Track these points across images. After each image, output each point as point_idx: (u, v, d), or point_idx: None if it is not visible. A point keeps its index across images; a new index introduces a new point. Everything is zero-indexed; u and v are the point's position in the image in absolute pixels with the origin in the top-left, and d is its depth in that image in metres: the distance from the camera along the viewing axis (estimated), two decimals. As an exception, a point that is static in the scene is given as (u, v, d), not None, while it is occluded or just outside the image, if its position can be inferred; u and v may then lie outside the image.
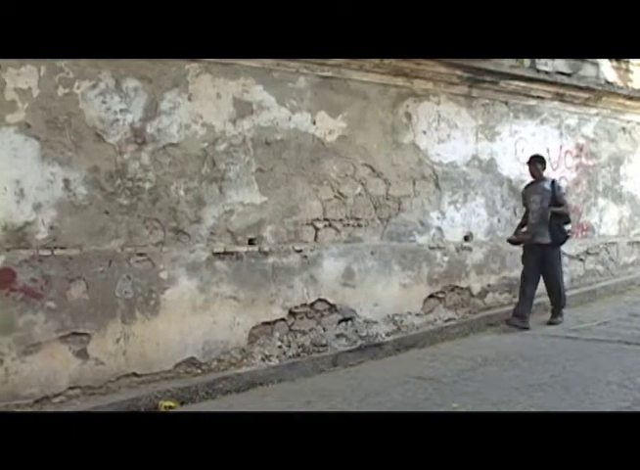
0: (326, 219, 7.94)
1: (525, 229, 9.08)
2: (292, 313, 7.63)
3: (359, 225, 8.23)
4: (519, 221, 9.43)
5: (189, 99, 6.89)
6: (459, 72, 9.02)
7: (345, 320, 8.07)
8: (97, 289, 6.31)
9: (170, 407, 6.18)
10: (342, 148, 8.07)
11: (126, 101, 6.50)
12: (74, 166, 6.21)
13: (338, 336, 7.91)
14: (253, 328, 7.34)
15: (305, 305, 7.75)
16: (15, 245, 5.91)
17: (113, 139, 6.43)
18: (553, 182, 8.99)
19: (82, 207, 6.26)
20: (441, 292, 9.09)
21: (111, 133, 6.41)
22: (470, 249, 9.46)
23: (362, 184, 8.25)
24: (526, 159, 9.23)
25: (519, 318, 8.73)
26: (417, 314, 8.75)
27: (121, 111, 6.47)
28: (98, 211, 6.35)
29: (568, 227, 9.00)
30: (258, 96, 7.39)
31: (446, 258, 9.15)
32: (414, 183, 8.73)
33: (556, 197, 8.85)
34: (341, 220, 8.03)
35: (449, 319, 9.05)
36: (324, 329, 7.77)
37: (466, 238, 9.45)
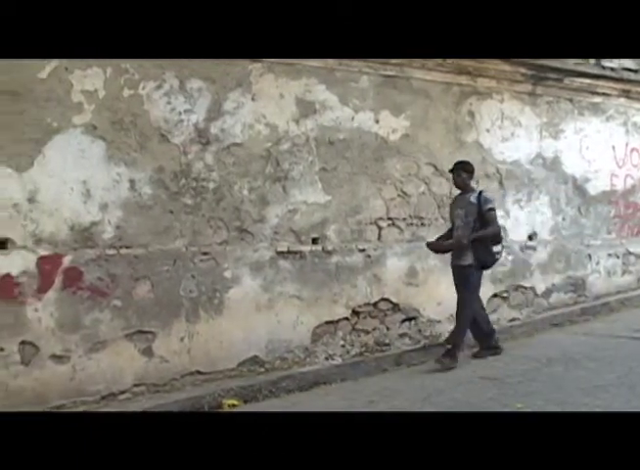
0: (389, 218, 7.80)
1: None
2: (355, 313, 7.50)
3: (423, 224, 8.08)
4: (583, 221, 9.14)
5: (252, 99, 6.80)
6: (523, 70, 8.79)
7: (409, 319, 7.92)
8: (162, 288, 6.24)
9: (234, 405, 6.06)
10: (406, 147, 7.91)
11: (190, 101, 6.43)
12: (140, 167, 6.15)
13: (401, 335, 7.77)
14: (317, 327, 7.23)
15: (369, 304, 7.61)
16: (82, 244, 5.86)
17: (177, 139, 6.35)
18: (480, 194, 7.20)
19: (147, 206, 6.20)
20: (505, 291, 8.89)
21: (175, 133, 6.34)
22: (534, 248, 9.21)
23: (426, 183, 8.08)
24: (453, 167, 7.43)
25: (487, 350, 7.40)
26: (481, 314, 8.46)
27: (186, 111, 6.40)
28: (163, 210, 6.28)
29: (498, 248, 7.20)
30: (321, 95, 7.27)
31: (510, 258, 8.90)
32: (477, 182, 8.45)
33: (482, 212, 7.09)
34: (404, 219, 7.89)
35: (513, 319, 8.85)
36: (387, 328, 7.61)
37: (530, 237, 9.20)
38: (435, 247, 7.38)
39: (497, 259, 7.27)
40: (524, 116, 9.08)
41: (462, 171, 7.23)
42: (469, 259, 7.04)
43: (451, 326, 7.92)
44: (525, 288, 9.08)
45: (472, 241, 6.97)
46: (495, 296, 8.76)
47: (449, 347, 7.05)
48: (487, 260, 7.13)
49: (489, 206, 7.13)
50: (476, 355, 7.38)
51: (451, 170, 7.28)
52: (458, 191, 7.38)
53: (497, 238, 7.21)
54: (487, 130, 8.70)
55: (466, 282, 7.13)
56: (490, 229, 7.09)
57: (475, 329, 7.37)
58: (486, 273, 8.37)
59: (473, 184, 7.42)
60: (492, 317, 8.44)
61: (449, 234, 7.39)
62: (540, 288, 9.24)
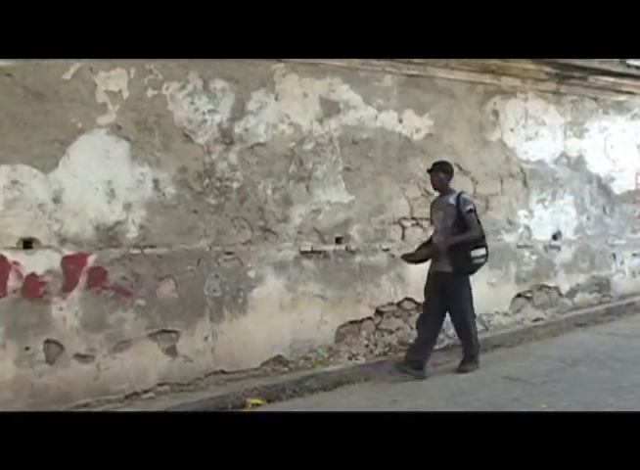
0: (413, 218, 7.74)
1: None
2: (379, 312, 7.45)
3: None
4: (607, 220, 9.00)
5: (276, 99, 6.77)
6: (547, 69, 8.68)
7: None
8: (186, 287, 6.22)
9: (257, 405, 6.01)
10: (429, 146, 7.84)
11: (214, 101, 6.41)
12: (163, 167, 6.13)
13: (425, 335, 7.62)
14: (341, 327, 7.18)
15: (392, 303, 7.55)
16: (106, 244, 5.86)
17: (201, 139, 6.33)
18: (459, 196, 6.69)
19: (171, 206, 6.18)
20: (529, 291, 8.77)
21: (199, 133, 6.32)
22: (558, 247, 9.08)
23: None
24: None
25: (411, 364, 6.62)
26: (505, 314, 8.47)
27: (209, 111, 6.37)
28: (187, 210, 6.26)
29: (479, 252, 6.63)
30: (345, 95, 7.22)
31: (534, 257, 8.80)
32: (502, 181, 8.43)
33: (461, 215, 6.62)
34: (428, 219, 7.68)
35: (537, 319, 8.74)
36: (411, 328, 7.52)
37: (554, 237, 9.08)
38: (410, 258, 6.93)
39: (480, 264, 6.72)
40: (548, 115, 8.97)
41: (440, 172, 6.78)
42: (448, 266, 6.57)
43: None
44: (550, 288, 8.96)
45: (450, 246, 6.54)
46: (519, 296, 8.65)
47: (471, 353, 6.79)
48: (465, 266, 6.60)
49: (469, 207, 6.65)
50: (400, 368, 6.66)
51: (429, 171, 6.87)
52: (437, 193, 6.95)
53: (480, 242, 6.68)
54: (511, 129, 8.61)
55: (452, 290, 6.64)
56: (469, 234, 6.59)
57: (419, 337, 6.80)
58: (511, 272, 8.38)
59: (451, 185, 6.90)
60: (516, 317, 8.46)
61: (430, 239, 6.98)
62: (564, 288, 9.12)
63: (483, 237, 6.74)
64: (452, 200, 6.66)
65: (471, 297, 6.80)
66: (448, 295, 6.65)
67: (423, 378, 6.54)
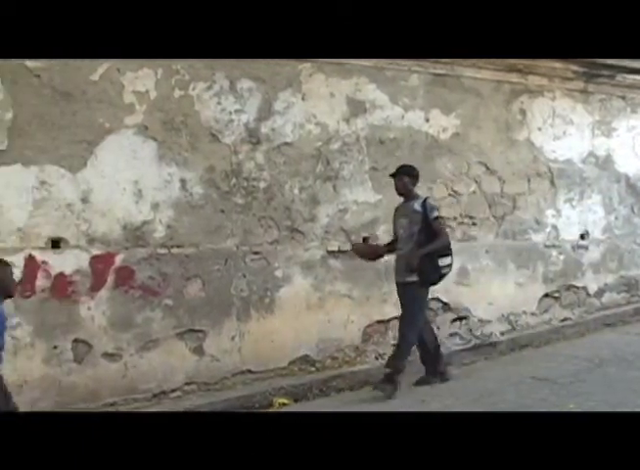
0: (440, 218, 7.52)
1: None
2: None
3: (474, 224, 7.91)
4: (636, 220, 8.85)
5: (302, 99, 6.74)
6: (574, 67, 8.54)
7: (459, 319, 7.76)
8: (213, 287, 6.20)
9: (284, 404, 5.99)
10: (456, 146, 7.77)
11: (241, 101, 6.38)
12: (191, 166, 6.12)
13: (451, 335, 7.62)
14: (367, 326, 7.12)
15: None
16: (133, 244, 5.85)
17: (228, 139, 6.31)
18: (425, 201, 6.22)
19: (198, 206, 6.16)
20: (557, 291, 8.64)
21: (226, 133, 6.30)
22: (586, 247, 8.94)
23: (476, 182, 7.91)
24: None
25: (428, 372, 6.41)
26: (532, 314, 8.35)
27: (236, 111, 6.35)
28: (214, 210, 6.24)
29: (446, 261, 6.15)
30: (371, 95, 7.17)
31: (562, 257, 8.67)
32: (529, 181, 8.33)
33: (428, 222, 6.16)
34: (455, 219, 7.73)
35: (565, 319, 8.62)
36: (437, 328, 7.41)
37: (582, 236, 8.93)
38: (362, 251, 6.69)
39: (445, 274, 6.23)
40: (575, 113, 8.83)
41: (405, 176, 6.29)
42: (414, 276, 6.07)
43: (502, 326, 7.76)
44: (577, 288, 8.82)
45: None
46: (547, 295, 8.53)
47: (389, 371, 6.05)
48: (433, 276, 6.13)
49: (436, 214, 6.22)
50: (419, 382, 6.37)
51: (392, 175, 6.39)
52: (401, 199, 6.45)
53: (446, 250, 6.20)
54: (539, 129, 8.48)
55: (410, 300, 6.18)
56: (439, 242, 6.13)
57: (421, 352, 6.43)
58: (538, 272, 8.26)
59: (417, 191, 6.43)
60: (544, 317, 8.33)
61: (391, 247, 6.50)
62: (592, 288, 8.97)
63: (450, 245, 6.30)
64: (418, 206, 6.19)
65: (425, 312, 6.38)
66: (405, 303, 6.22)
67: (447, 380, 6.35)
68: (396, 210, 6.47)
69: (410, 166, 6.44)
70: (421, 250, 6.05)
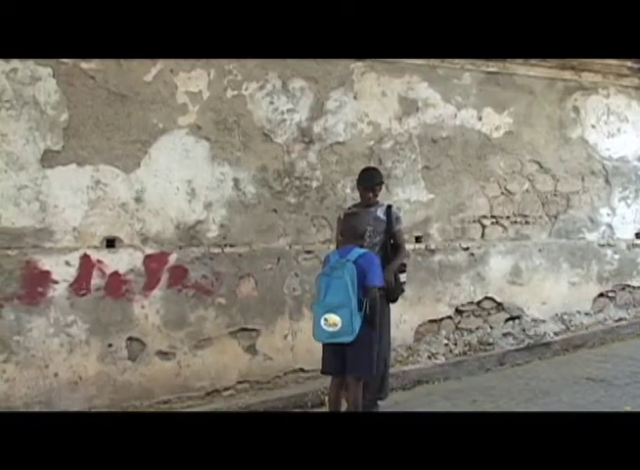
0: (493, 216, 7.47)
1: None
2: (458, 311, 7.22)
3: (527, 222, 7.70)
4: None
5: (355, 98, 6.60)
6: (629, 64, 8.25)
7: (513, 319, 7.56)
8: (265, 286, 6.08)
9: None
10: (509, 144, 7.56)
11: (293, 101, 6.26)
12: (243, 166, 6.00)
13: (505, 335, 7.38)
14: (420, 326, 6.98)
15: (472, 303, 7.31)
16: (187, 243, 5.75)
17: (280, 139, 6.19)
18: (389, 208, 5.36)
19: (251, 205, 6.05)
20: (612, 291, 8.37)
21: (278, 133, 6.18)
22: (642, 246, 8.60)
23: (529, 180, 7.69)
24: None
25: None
26: (586, 313, 8.08)
27: (288, 111, 6.23)
28: (266, 209, 6.13)
29: (404, 277, 5.36)
30: (424, 93, 7.01)
31: (617, 256, 8.37)
32: (583, 179, 8.07)
33: (392, 231, 5.32)
34: (508, 217, 7.55)
35: (620, 319, 8.30)
36: (491, 327, 7.30)
37: (637, 235, 8.61)
38: None
39: (403, 291, 5.44)
40: (630, 110, 8.50)
41: (378, 186, 5.36)
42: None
43: (556, 326, 7.50)
44: (633, 287, 8.52)
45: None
46: (601, 295, 8.28)
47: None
48: (395, 294, 5.27)
49: (400, 225, 5.44)
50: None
51: (357, 180, 5.47)
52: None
53: (403, 266, 5.41)
54: (593, 126, 8.21)
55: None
56: (403, 256, 5.42)
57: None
58: (592, 271, 7.99)
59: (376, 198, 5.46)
60: (598, 317, 8.09)
61: None
62: (648, 287, 8.66)
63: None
64: (381, 213, 5.33)
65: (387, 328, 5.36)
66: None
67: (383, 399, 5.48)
68: (351, 214, 5.11)
69: (374, 169, 5.65)
70: (392, 264, 5.21)
